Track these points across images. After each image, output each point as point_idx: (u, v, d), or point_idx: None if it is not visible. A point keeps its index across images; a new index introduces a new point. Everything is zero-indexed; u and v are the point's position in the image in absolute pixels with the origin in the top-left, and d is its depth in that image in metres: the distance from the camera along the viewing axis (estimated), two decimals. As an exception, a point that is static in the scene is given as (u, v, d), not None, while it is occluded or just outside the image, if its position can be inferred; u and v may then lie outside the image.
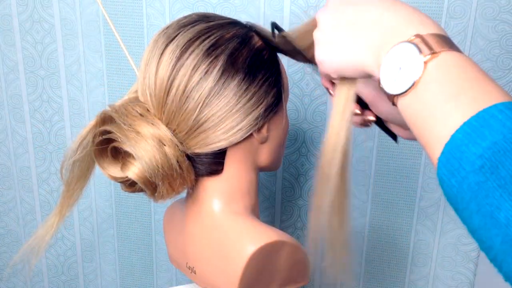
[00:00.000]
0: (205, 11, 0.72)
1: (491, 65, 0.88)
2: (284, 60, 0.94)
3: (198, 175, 0.62)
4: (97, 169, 0.61)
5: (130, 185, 0.60)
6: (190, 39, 0.57)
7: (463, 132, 0.36)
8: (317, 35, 0.52)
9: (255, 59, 0.59)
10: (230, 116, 0.57)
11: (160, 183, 0.56)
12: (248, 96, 0.58)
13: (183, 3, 0.93)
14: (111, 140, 0.57)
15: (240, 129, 0.58)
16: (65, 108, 1.04)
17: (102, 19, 0.97)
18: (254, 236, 0.59)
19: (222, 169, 0.61)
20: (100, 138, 0.58)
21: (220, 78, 0.56)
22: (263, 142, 0.62)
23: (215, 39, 0.57)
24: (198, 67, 0.56)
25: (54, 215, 0.67)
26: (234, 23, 0.61)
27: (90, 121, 0.60)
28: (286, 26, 0.91)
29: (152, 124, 0.56)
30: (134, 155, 0.55)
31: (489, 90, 0.39)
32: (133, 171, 0.56)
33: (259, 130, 0.61)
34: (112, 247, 1.13)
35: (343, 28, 0.49)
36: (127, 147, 0.55)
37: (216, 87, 0.56)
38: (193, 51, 0.56)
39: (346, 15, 0.49)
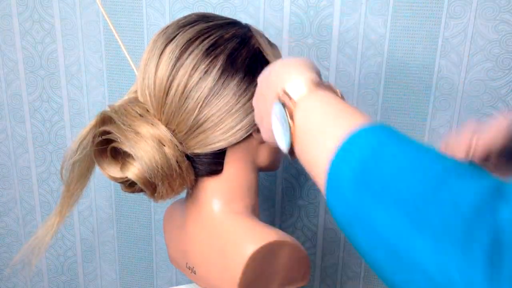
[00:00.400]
0: (205, 11, 0.72)
1: (491, 65, 0.88)
2: (284, 60, 0.94)
3: (198, 175, 0.62)
4: (97, 169, 0.61)
5: (129, 185, 0.60)
6: (190, 39, 0.57)
7: (337, 156, 0.37)
8: (255, 120, 0.56)
9: (255, 59, 0.59)
10: (230, 116, 0.57)
11: (159, 183, 0.56)
12: (247, 96, 0.58)
13: (183, 3, 0.93)
14: (110, 141, 0.57)
15: (239, 129, 0.58)
16: (65, 108, 1.04)
17: (102, 19, 0.97)
18: (254, 236, 0.59)
19: (221, 169, 0.61)
20: (100, 138, 0.58)
21: (219, 78, 0.56)
22: (262, 142, 0.62)
23: (214, 39, 0.57)
24: (198, 67, 0.56)
25: (54, 216, 0.66)
26: (234, 23, 0.61)
27: (90, 121, 0.60)
28: (286, 26, 0.91)
29: (151, 124, 0.56)
30: (133, 155, 0.55)
31: (350, 115, 0.40)
32: (133, 172, 0.56)
33: (258, 130, 0.61)
34: (112, 247, 1.13)
35: (260, 106, 0.52)
36: (126, 147, 0.55)
37: (216, 87, 0.56)
38: (192, 51, 0.56)
39: (260, 92, 0.52)
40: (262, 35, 0.63)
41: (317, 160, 0.40)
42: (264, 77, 0.51)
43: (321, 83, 0.45)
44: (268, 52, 0.61)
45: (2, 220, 1.15)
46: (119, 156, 0.59)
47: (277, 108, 0.45)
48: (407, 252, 0.31)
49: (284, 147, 0.45)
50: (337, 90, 0.46)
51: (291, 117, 0.43)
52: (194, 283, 0.70)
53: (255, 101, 0.54)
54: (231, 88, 0.57)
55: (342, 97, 0.45)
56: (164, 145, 0.56)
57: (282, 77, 0.47)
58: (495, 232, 0.28)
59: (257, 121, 0.55)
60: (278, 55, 0.63)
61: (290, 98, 0.44)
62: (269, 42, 0.64)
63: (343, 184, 0.36)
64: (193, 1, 0.93)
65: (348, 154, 0.36)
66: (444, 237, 0.29)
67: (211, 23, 0.59)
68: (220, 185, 0.62)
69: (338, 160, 0.37)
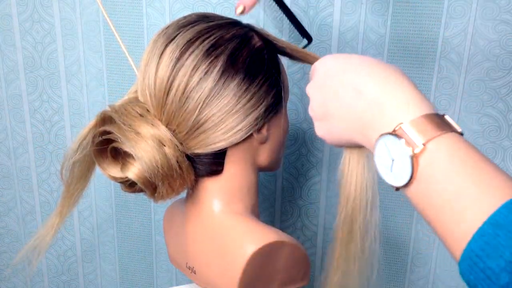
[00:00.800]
0: (205, 11, 0.72)
1: (491, 65, 0.88)
2: (284, 60, 0.94)
3: (198, 176, 0.62)
4: (97, 169, 0.61)
5: (130, 185, 0.60)
6: (190, 40, 0.57)
7: (479, 241, 0.34)
8: (310, 112, 0.52)
9: (255, 59, 0.59)
10: (230, 116, 0.57)
11: (160, 183, 0.56)
12: (248, 97, 0.58)
13: (183, 3, 0.93)
14: (111, 141, 0.57)
15: (240, 129, 0.58)
16: (65, 108, 1.04)
17: (102, 19, 0.97)
18: (254, 236, 0.59)
19: (222, 170, 0.61)
20: (100, 138, 0.58)
21: (220, 78, 0.56)
22: (263, 142, 0.62)
23: (214, 39, 0.57)
24: (198, 68, 0.56)
25: (55, 216, 0.66)
26: (234, 23, 0.61)
27: (90, 121, 0.60)
28: (286, 26, 0.91)
29: (152, 124, 0.56)
30: (134, 155, 0.55)
31: (492, 182, 0.36)
32: (133, 172, 0.56)
33: (259, 130, 0.61)
34: (112, 247, 1.13)
35: (329, 103, 0.47)
36: (126, 147, 0.55)
37: (216, 88, 0.56)
38: (193, 51, 0.56)
39: (330, 89, 0.47)
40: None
41: (449, 225, 0.37)
42: (342, 73, 0.46)
43: (442, 119, 0.40)
44: (278, 40, 0.62)
45: (2, 220, 1.15)
46: (119, 156, 0.59)
47: (392, 142, 0.40)
48: None
49: (395, 184, 0.41)
50: (457, 127, 0.40)
51: (414, 159, 0.38)
52: (194, 283, 0.70)
53: (315, 91, 0.50)
54: (232, 89, 0.57)
55: (462, 134, 0.40)
56: (164, 145, 0.56)
57: (390, 101, 0.41)
58: None
59: (314, 114, 0.51)
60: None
61: (411, 138, 0.39)
62: None
63: (492, 278, 0.33)
64: (193, 1, 0.93)
65: (494, 247, 0.33)
66: None
67: (211, 23, 0.59)
68: (220, 185, 0.62)
69: (480, 247, 0.34)
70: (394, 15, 0.88)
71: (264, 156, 0.64)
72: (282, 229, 1.03)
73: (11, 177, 1.11)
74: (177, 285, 1.10)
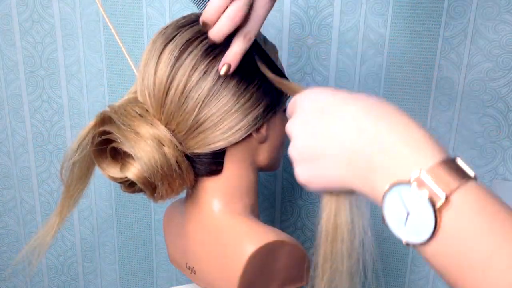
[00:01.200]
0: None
1: (491, 65, 0.88)
2: (284, 60, 0.94)
3: (198, 175, 0.62)
4: (97, 169, 0.61)
5: (129, 185, 0.60)
6: (189, 39, 0.57)
7: None
8: (291, 152, 0.45)
9: (254, 59, 0.59)
10: (229, 116, 0.57)
11: (159, 183, 0.56)
12: (247, 96, 0.58)
13: (183, 3, 0.93)
14: (110, 141, 0.57)
15: (239, 129, 0.58)
16: (65, 108, 1.04)
17: (102, 19, 0.97)
18: (253, 236, 0.59)
19: (221, 169, 0.61)
20: (100, 138, 0.58)
21: (219, 78, 0.56)
22: (262, 142, 0.62)
23: (214, 40, 0.57)
24: (197, 67, 0.56)
25: (55, 216, 0.66)
26: (234, 23, 0.61)
27: (90, 121, 0.60)
28: (286, 26, 0.91)
29: (151, 124, 0.56)
30: (133, 155, 0.55)
31: None
32: (132, 172, 0.56)
33: (258, 130, 0.61)
34: (112, 247, 1.13)
35: (320, 142, 0.41)
36: (126, 147, 0.55)
37: (215, 87, 0.56)
38: (191, 51, 0.56)
39: (322, 123, 0.41)
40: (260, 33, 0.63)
41: None
42: (336, 107, 0.41)
43: (457, 165, 0.36)
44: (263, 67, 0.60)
45: (2, 220, 1.15)
46: (119, 156, 0.59)
47: (408, 193, 0.35)
48: None
49: (412, 241, 0.36)
50: (471, 171, 0.36)
51: (438, 213, 0.34)
52: (194, 283, 0.70)
53: (300, 128, 0.44)
54: (230, 89, 0.57)
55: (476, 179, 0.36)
56: (163, 145, 0.56)
57: (401, 143, 0.36)
58: None
59: (299, 156, 0.44)
60: (272, 52, 0.63)
61: (433, 190, 0.34)
62: (264, 39, 0.64)
63: None
64: (193, 1, 0.93)
65: None
66: None
67: (210, 23, 0.59)
68: (219, 185, 0.62)
69: None
70: (394, 15, 0.88)
71: (263, 155, 0.64)
72: (282, 229, 1.03)
73: (11, 177, 1.11)
74: (177, 285, 1.10)
